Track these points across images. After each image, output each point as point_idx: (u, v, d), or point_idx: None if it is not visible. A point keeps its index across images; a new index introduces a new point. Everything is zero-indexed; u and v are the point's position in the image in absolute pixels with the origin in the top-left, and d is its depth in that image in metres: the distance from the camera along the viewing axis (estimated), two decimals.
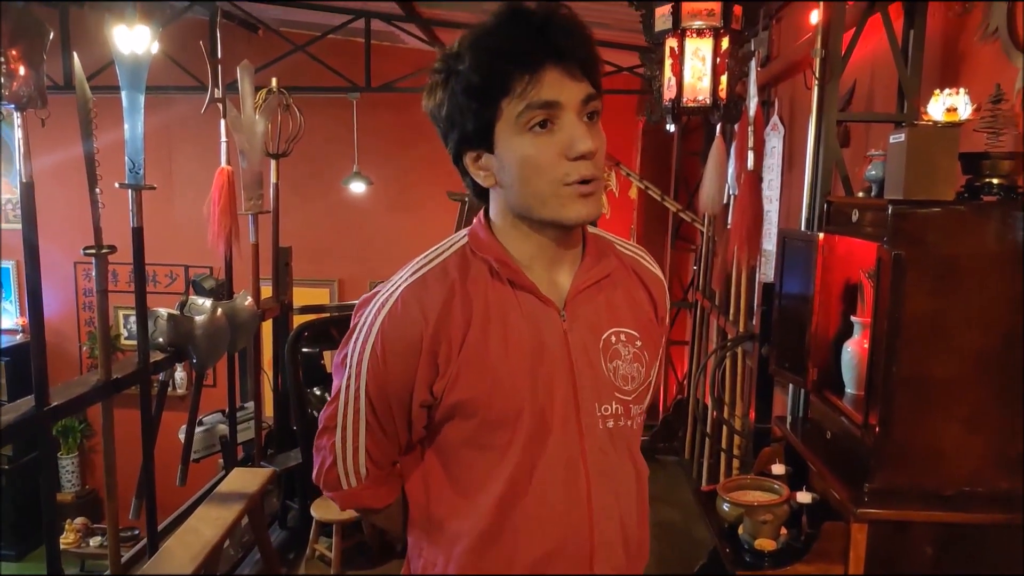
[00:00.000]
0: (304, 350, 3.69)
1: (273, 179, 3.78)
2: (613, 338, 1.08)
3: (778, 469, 2.11)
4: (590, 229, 1.13)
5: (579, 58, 0.96)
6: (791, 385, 2.42)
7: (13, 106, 1.97)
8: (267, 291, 3.98)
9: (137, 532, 5.11)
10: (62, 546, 5.78)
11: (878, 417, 1.69)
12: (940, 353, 1.66)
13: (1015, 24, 1.88)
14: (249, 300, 3.45)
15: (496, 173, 1.01)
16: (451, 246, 1.08)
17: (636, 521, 1.12)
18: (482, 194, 1.08)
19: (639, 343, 1.10)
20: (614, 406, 1.06)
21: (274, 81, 3.66)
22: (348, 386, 1.06)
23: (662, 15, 2.39)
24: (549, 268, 1.07)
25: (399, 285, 1.04)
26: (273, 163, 3.75)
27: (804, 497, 1.91)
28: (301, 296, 4.63)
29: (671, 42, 2.40)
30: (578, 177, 0.97)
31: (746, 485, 2.05)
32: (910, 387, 1.67)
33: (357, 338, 1.05)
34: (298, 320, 4.06)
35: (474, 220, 1.11)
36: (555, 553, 1.04)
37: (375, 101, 5.56)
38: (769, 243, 3.49)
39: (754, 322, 3.13)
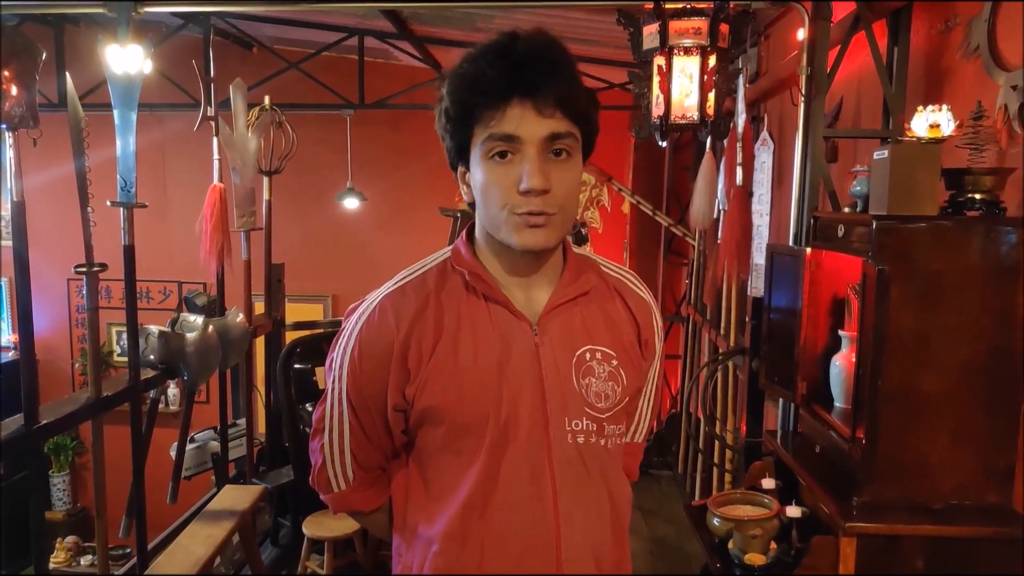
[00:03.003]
0: (296, 366, 3.69)
1: (266, 196, 3.79)
2: (588, 355, 1.09)
3: (768, 483, 2.12)
4: (575, 249, 1.15)
5: (552, 95, 0.98)
6: (781, 399, 2.43)
7: (5, 126, 1.97)
8: (260, 307, 3.98)
9: (128, 551, 5.07)
10: (53, 565, 5.73)
11: (865, 431, 1.70)
12: (926, 367, 1.68)
13: (995, 42, 1.91)
14: (241, 317, 3.44)
15: (472, 191, 1.06)
16: (434, 260, 1.13)
17: (611, 540, 1.13)
18: (473, 205, 1.11)
19: (615, 362, 1.11)
20: (585, 422, 1.08)
21: (267, 99, 3.68)
22: (333, 388, 1.12)
23: (649, 34, 2.42)
24: (525, 284, 1.10)
25: (380, 294, 1.10)
26: (266, 180, 3.77)
27: (794, 511, 1.91)
28: (294, 312, 4.62)
29: (659, 60, 2.43)
30: (526, 210, 1.00)
31: (736, 500, 2.06)
32: (896, 401, 1.68)
33: (340, 343, 1.11)
34: (291, 336, 4.06)
35: (459, 237, 1.15)
36: (521, 562, 1.06)
37: (368, 118, 5.59)
38: (760, 257, 3.51)
39: (745, 336, 3.15)
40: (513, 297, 1.09)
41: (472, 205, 1.10)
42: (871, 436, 1.69)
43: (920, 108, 1.83)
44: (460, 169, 1.07)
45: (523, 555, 1.06)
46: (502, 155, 0.99)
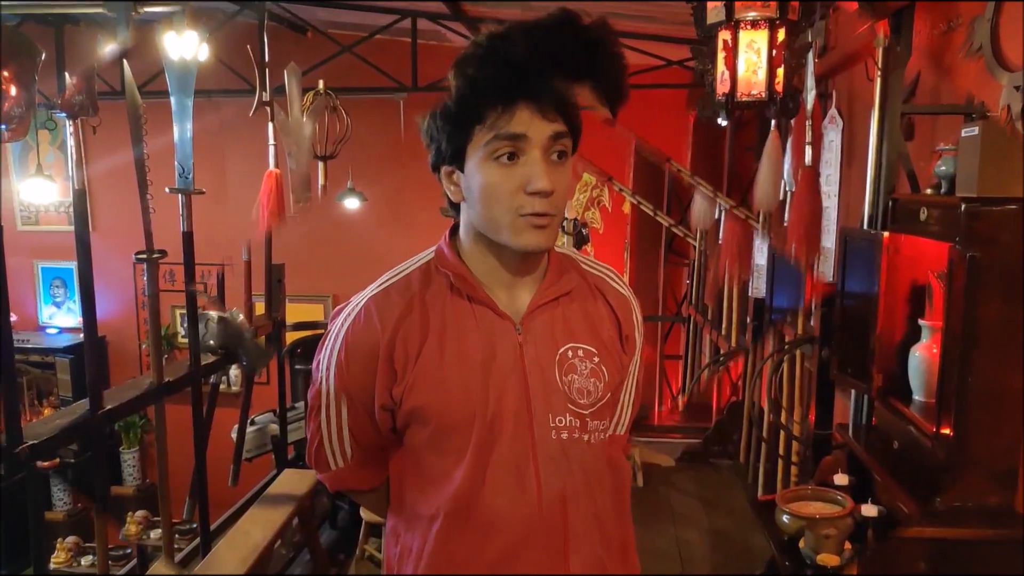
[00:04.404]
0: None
1: (321, 180, 3.79)
2: (570, 353, 1.12)
3: (840, 479, 2.02)
4: (556, 248, 1.18)
5: (554, 98, 1.01)
6: (853, 391, 2.31)
7: (66, 114, 1.99)
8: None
9: (196, 525, 5.20)
10: (123, 538, 5.95)
11: (952, 428, 1.59)
12: (1019, 360, 1.56)
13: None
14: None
15: (464, 191, 1.08)
16: (417, 261, 1.16)
17: (612, 525, 1.16)
18: (454, 206, 1.13)
19: (597, 359, 1.13)
20: (568, 418, 1.10)
21: (321, 84, 3.67)
22: (322, 386, 1.15)
23: (714, 8, 2.30)
24: (509, 285, 1.12)
25: (365, 296, 1.13)
26: (321, 165, 3.76)
27: (869, 510, 1.82)
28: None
29: (724, 35, 2.31)
30: (531, 210, 1.03)
31: (806, 496, 1.97)
32: (987, 396, 1.58)
33: (327, 346, 1.14)
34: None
35: (442, 237, 1.16)
36: (509, 553, 1.09)
37: (422, 101, 5.54)
38: (828, 240, 3.35)
39: (812, 323, 3.01)
40: (497, 297, 1.11)
41: (455, 206, 1.12)
42: (959, 433, 1.58)
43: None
44: (445, 169, 1.08)
45: (510, 545, 1.09)
46: (510, 156, 1.02)
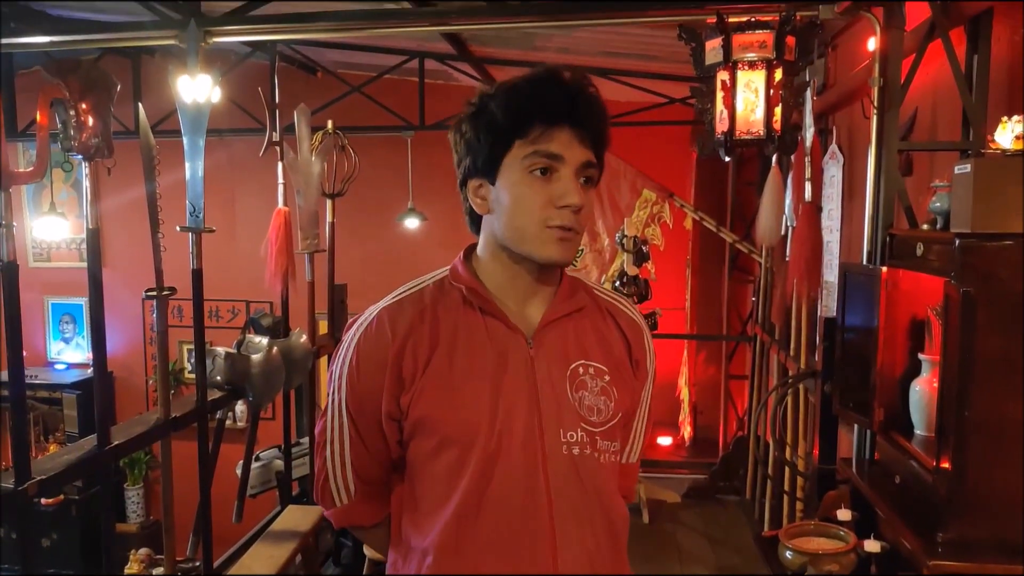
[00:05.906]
0: None
1: (329, 218, 3.85)
2: (581, 369, 1.13)
3: (844, 514, 2.02)
4: (568, 272, 1.21)
5: (591, 130, 1.10)
6: (856, 425, 2.31)
7: (80, 156, 2.05)
8: (324, 327, 4.03)
9: (199, 563, 5.17)
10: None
11: (951, 461, 1.60)
12: (1017, 393, 1.57)
13: None
14: (304, 338, 3.49)
15: (491, 203, 1.12)
16: (432, 277, 1.19)
17: (610, 559, 1.13)
18: (476, 223, 1.17)
19: (608, 378, 1.14)
20: (579, 434, 1.11)
21: (330, 123, 3.75)
22: (333, 400, 1.17)
23: (712, 48, 2.36)
24: (522, 300, 1.15)
25: (378, 307, 1.16)
26: (329, 202, 3.82)
27: (872, 546, 1.81)
28: None
29: (722, 75, 2.37)
30: (559, 223, 1.08)
31: (809, 531, 1.96)
32: (985, 430, 1.58)
33: (340, 355, 1.16)
34: None
35: (457, 256, 1.19)
36: (517, 572, 1.07)
37: (429, 139, 5.64)
38: (830, 275, 3.37)
39: (816, 358, 3.03)
40: (509, 311, 1.13)
41: (476, 222, 1.16)
42: (958, 467, 1.58)
43: (1004, 119, 1.72)
44: (474, 182, 1.13)
45: (519, 566, 1.07)
46: (543, 171, 1.08)
